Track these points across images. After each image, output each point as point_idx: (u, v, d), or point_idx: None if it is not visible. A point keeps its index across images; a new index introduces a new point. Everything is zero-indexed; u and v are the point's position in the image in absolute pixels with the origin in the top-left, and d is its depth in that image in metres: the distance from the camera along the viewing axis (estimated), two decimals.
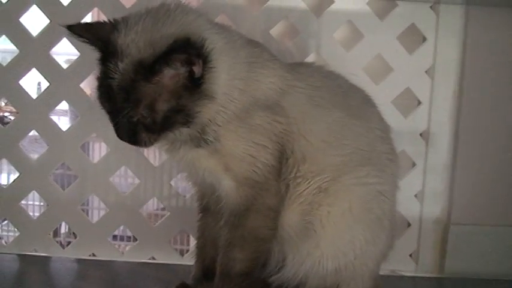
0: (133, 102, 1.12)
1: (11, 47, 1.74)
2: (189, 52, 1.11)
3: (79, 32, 1.18)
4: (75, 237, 1.84)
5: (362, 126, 1.33)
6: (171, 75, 1.12)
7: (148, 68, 1.11)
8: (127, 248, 1.88)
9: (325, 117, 1.29)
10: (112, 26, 1.17)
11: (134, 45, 1.12)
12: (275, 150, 1.25)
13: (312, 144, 1.27)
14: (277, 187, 1.27)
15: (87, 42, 1.18)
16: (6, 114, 2.80)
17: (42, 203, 2.32)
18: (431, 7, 1.76)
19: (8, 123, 1.96)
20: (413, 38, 1.78)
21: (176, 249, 1.88)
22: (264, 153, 1.23)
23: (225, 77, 1.19)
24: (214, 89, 1.18)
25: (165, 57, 1.10)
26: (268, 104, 1.24)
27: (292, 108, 1.27)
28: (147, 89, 1.12)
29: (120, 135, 1.18)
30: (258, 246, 1.28)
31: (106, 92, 1.15)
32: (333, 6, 1.74)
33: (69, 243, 1.85)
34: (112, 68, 1.13)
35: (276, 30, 1.75)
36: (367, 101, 1.40)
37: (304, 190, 1.27)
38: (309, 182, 1.27)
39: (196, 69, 1.13)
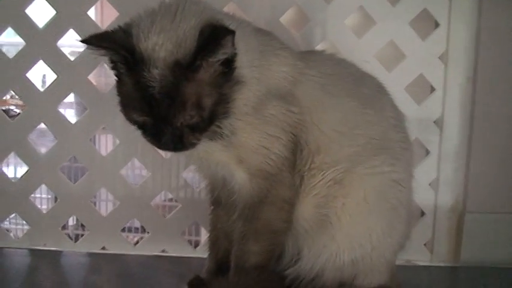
0: (180, 105, 1.08)
1: (17, 39, 1.72)
2: (218, 36, 1.07)
3: (99, 42, 1.10)
4: (84, 230, 1.82)
5: (375, 115, 1.31)
6: (208, 66, 1.09)
7: (187, 67, 1.07)
8: (137, 240, 1.86)
9: (338, 106, 1.28)
10: (124, 32, 1.11)
11: (161, 48, 1.08)
12: (288, 142, 1.23)
13: (325, 134, 1.25)
14: (291, 179, 1.25)
15: (108, 53, 1.11)
16: (12, 107, 2.79)
17: (50, 196, 2.33)
18: None
19: (13, 116, 1.95)
20: (426, 23, 1.75)
21: (188, 241, 1.86)
22: (277, 145, 1.21)
23: (245, 61, 1.16)
24: (243, 73, 1.15)
25: (201, 51, 1.06)
26: (281, 94, 1.22)
27: (305, 97, 1.25)
28: (190, 88, 1.08)
29: (165, 144, 1.13)
30: (272, 239, 1.27)
31: (144, 103, 1.09)
32: None
33: (78, 236, 1.84)
34: (147, 76, 1.07)
35: (285, 18, 1.72)
36: (380, 89, 1.37)
37: (319, 182, 1.25)
38: (324, 174, 1.25)
39: (229, 50, 1.09)
